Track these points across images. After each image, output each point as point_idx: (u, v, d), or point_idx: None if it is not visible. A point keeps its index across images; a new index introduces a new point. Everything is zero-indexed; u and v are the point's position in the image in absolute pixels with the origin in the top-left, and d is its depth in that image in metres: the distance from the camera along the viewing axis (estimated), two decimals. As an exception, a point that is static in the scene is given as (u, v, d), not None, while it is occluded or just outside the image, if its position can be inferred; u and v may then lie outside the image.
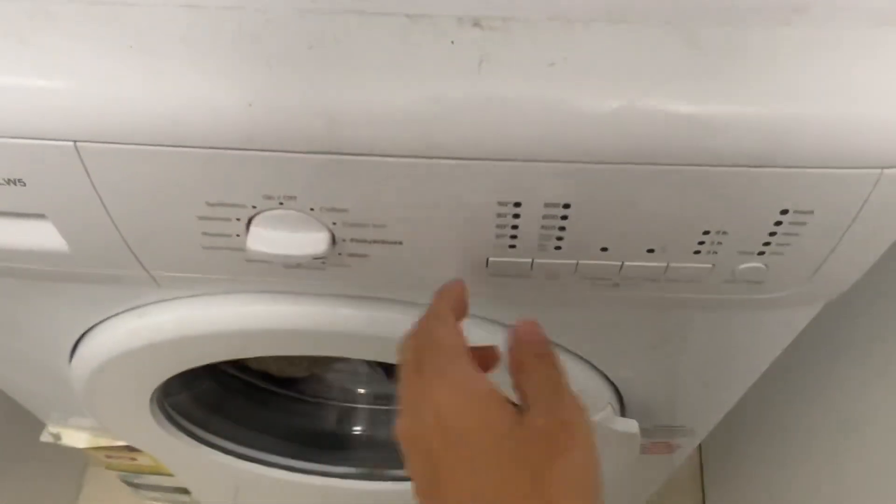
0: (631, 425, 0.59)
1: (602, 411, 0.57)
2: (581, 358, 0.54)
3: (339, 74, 0.33)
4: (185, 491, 1.01)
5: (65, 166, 0.35)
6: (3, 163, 0.35)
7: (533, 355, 0.34)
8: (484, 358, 0.37)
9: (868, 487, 0.62)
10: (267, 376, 0.81)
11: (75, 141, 0.34)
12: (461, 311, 0.37)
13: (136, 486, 1.03)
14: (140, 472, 0.96)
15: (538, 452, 0.29)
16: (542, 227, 0.38)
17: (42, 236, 0.40)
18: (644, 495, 0.91)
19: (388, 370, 0.84)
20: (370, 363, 0.84)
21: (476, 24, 0.33)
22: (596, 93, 0.32)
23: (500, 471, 0.29)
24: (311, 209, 0.37)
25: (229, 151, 0.34)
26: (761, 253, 0.39)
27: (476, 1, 0.34)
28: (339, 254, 0.40)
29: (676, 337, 0.51)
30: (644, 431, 0.61)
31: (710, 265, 0.40)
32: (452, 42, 0.33)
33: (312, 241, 0.38)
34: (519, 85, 0.32)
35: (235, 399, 0.79)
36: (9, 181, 0.36)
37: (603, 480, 0.30)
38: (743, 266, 0.40)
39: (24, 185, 0.36)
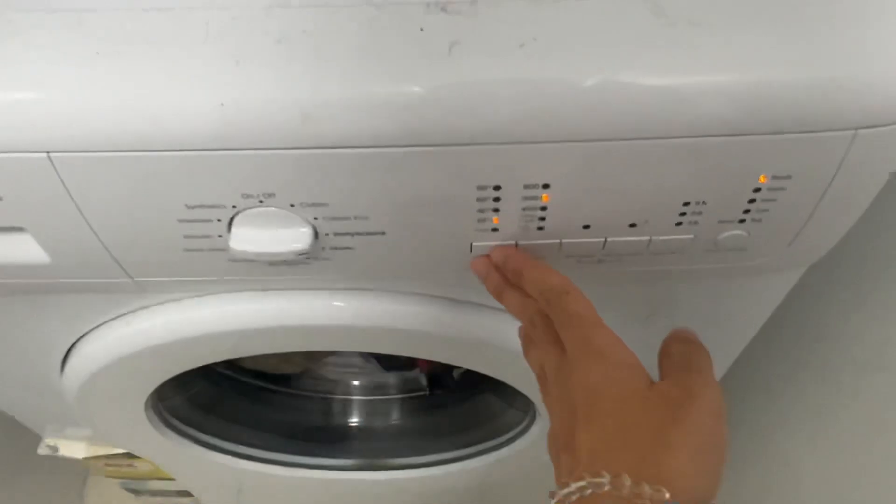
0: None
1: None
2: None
3: (309, 67, 0.32)
4: (187, 494, 1.01)
5: (40, 178, 0.34)
6: (-23, 178, 0.35)
7: (678, 340, 0.37)
8: None
9: (860, 446, 0.63)
10: (261, 374, 0.81)
11: (48, 152, 0.33)
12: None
13: (138, 492, 1.03)
14: (141, 477, 0.96)
15: (661, 415, 0.31)
16: (524, 208, 0.38)
17: (22, 249, 0.39)
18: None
19: (381, 360, 0.84)
20: (363, 355, 0.84)
21: (443, 9, 0.33)
22: (568, 71, 0.32)
23: (624, 429, 0.31)
24: (292, 205, 0.37)
25: (205, 153, 0.34)
26: (742, 220, 0.39)
27: (443, -14, 0.34)
28: (323, 248, 0.40)
29: (665, 309, 0.52)
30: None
31: (691, 236, 0.40)
32: (422, 29, 0.33)
33: (295, 237, 0.38)
34: (491, 68, 0.32)
35: (231, 399, 0.79)
36: (-16, 196, 0.36)
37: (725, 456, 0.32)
38: (724, 235, 0.40)
39: (1, 199, 0.36)
